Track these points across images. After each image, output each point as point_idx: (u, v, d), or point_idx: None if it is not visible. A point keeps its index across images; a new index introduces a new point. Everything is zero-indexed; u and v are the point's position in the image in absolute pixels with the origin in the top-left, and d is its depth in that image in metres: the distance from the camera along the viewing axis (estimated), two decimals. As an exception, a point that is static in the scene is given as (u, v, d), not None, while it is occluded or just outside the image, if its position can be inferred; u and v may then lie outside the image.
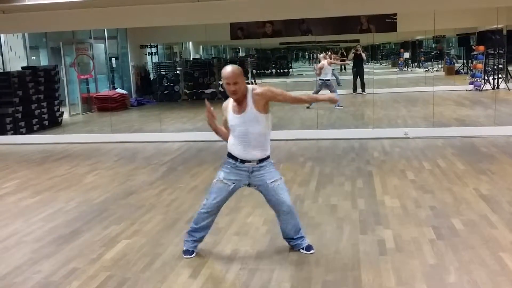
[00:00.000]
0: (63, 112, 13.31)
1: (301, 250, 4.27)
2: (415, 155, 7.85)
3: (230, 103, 4.14)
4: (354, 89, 16.40)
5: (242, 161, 4.12)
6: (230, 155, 4.19)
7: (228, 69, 4.00)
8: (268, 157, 4.20)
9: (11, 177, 7.61)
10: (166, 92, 17.48)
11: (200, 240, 4.34)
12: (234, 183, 4.17)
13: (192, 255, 4.28)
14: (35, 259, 4.41)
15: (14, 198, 6.44)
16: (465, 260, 4.01)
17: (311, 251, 4.25)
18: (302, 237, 4.32)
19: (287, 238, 4.35)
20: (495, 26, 14.47)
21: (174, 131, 11.09)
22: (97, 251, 4.53)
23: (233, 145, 4.16)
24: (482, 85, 15.83)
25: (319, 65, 13.78)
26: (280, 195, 4.18)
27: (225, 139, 4.28)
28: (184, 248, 4.33)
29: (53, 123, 12.67)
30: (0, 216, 5.72)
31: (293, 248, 4.32)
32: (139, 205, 5.89)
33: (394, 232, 4.66)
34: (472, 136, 8.99)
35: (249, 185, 4.23)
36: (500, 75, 15.96)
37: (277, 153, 8.07)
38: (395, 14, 12.43)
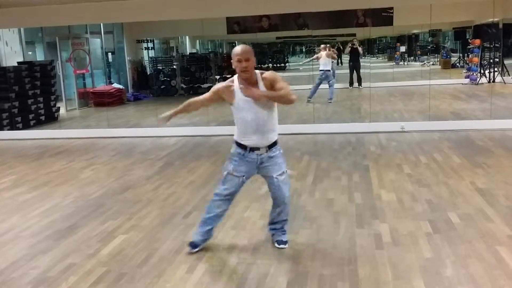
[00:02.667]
0: (59, 107, 13.28)
1: (276, 244, 4.32)
2: (411, 149, 7.86)
3: (235, 85, 4.00)
4: (351, 83, 16.43)
5: (252, 150, 4.05)
6: (238, 145, 4.12)
7: (238, 47, 3.95)
8: (276, 141, 4.15)
9: (8, 172, 7.60)
10: (162, 87, 17.46)
11: (209, 232, 4.34)
12: (243, 175, 4.15)
13: (195, 249, 4.26)
14: (32, 254, 4.41)
15: (11, 193, 6.44)
16: (462, 254, 4.02)
17: (282, 246, 4.29)
18: (283, 228, 4.39)
19: (272, 223, 4.43)
20: (491, 20, 14.49)
21: (171, 126, 11.02)
22: (94, 246, 4.53)
23: (242, 135, 4.08)
24: (478, 79, 15.86)
25: (317, 55, 13.86)
26: (282, 190, 4.21)
27: (187, 110, 4.37)
28: (192, 239, 4.33)
29: (50, 118, 12.64)
30: (-3, 211, 5.72)
31: (272, 235, 4.41)
32: (136, 200, 5.89)
33: (391, 226, 4.67)
34: (468, 129, 9.01)
35: (257, 172, 4.24)
36: (496, 69, 15.98)
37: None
38: (392, 8, 12.45)
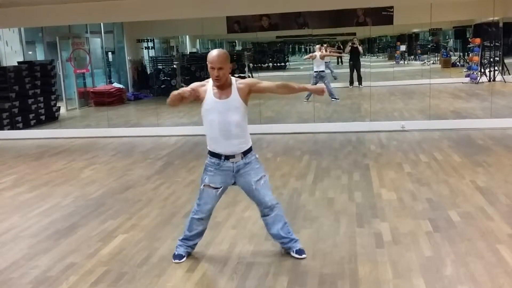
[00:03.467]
0: (60, 107, 13.28)
1: (292, 253, 4.10)
2: (411, 147, 7.86)
3: (209, 86, 3.89)
4: (351, 83, 16.42)
5: (227, 158, 3.90)
6: (212, 154, 3.96)
7: (214, 52, 3.79)
8: (251, 148, 4.00)
9: (8, 172, 7.60)
10: (163, 86, 17.43)
11: (193, 247, 4.21)
12: (221, 186, 3.99)
13: (182, 260, 4.11)
14: (32, 254, 4.42)
15: (11, 193, 6.44)
16: (462, 252, 4.02)
17: (303, 256, 4.06)
18: (294, 239, 4.13)
19: (279, 239, 4.15)
20: (491, 19, 14.49)
21: (171, 126, 11.07)
22: (94, 246, 4.53)
23: (213, 141, 3.93)
24: (478, 78, 15.85)
25: (311, 54, 13.82)
26: (263, 194, 4.01)
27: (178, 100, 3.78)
28: (176, 253, 4.16)
29: (50, 118, 12.64)
30: (-3, 211, 5.72)
31: (286, 250, 4.15)
32: (136, 199, 5.89)
33: (391, 225, 4.67)
34: (469, 128, 9.01)
35: (234, 183, 4.05)
36: (496, 68, 15.97)
37: (273, 147, 8.08)
38: (392, 7, 12.45)
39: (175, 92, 3.71)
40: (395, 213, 5.00)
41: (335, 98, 13.20)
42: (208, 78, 3.96)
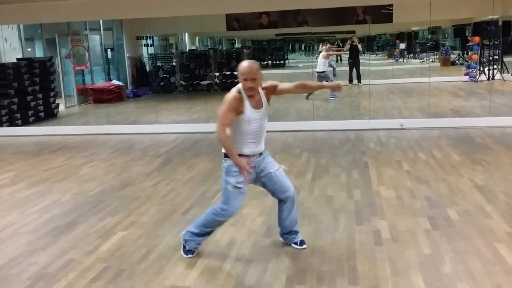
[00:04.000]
0: (58, 103, 13.28)
1: (293, 245, 4.21)
2: (410, 146, 7.86)
3: (245, 99, 3.86)
4: (350, 81, 16.41)
5: (251, 156, 3.97)
6: (238, 156, 3.88)
7: (245, 64, 3.86)
8: None
9: (7, 169, 7.60)
10: (162, 83, 17.45)
11: (200, 244, 4.21)
12: (246, 185, 4.01)
13: (193, 255, 4.14)
14: (31, 251, 4.42)
15: (10, 189, 6.44)
16: (460, 250, 4.03)
17: (304, 246, 4.19)
18: (297, 231, 4.25)
19: (285, 233, 4.23)
20: (490, 17, 14.49)
21: (170, 123, 11.08)
22: (93, 243, 4.53)
23: (243, 144, 3.94)
24: (477, 76, 15.86)
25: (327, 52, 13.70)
26: (285, 180, 4.12)
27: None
28: (187, 247, 4.16)
29: (49, 114, 12.64)
30: (-4, 208, 5.72)
31: (287, 242, 4.26)
32: (135, 196, 5.89)
33: (390, 223, 4.68)
34: (468, 127, 9.02)
35: (255, 180, 4.10)
36: (495, 66, 15.98)
37: (273, 144, 8.08)
38: (391, 5, 12.42)
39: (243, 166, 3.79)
40: (394, 211, 5.01)
41: (334, 96, 13.20)
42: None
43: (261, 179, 4.10)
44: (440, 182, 5.88)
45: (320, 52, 13.96)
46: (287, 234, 4.24)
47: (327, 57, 13.50)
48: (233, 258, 4.09)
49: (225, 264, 3.99)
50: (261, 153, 4.06)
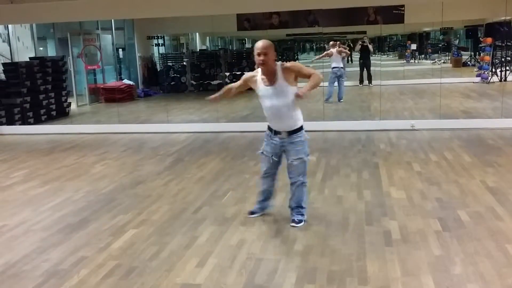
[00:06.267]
0: (70, 102, 13.39)
1: (292, 223, 4.68)
2: (421, 147, 7.84)
3: (258, 76, 4.49)
4: (361, 81, 16.38)
5: (275, 133, 4.58)
6: (268, 127, 4.66)
7: (260, 41, 4.39)
8: (299, 129, 4.57)
9: (20, 166, 7.67)
10: (172, 83, 17.51)
11: (264, 204, 4.94)
12: (271, 155, 4.66)
13: (254, 215, 4.90)
14: (44, 248, 4.47)
15: (23, 187, 6.50)
16: (471, 252, 4.02)
17: (297, 225, 4.64)
18: (299, 210, 4.71)
19: (290, 206, 4.79)
20: (503, 18, 14.41)
21: (181, 122, 11.12)
22: (105, 240, 4.57)
23: (268, 119, 4.61)
24: (489, 77, 15.77)
25: (328, 52, 13.66)
26: (293, 172, 4.62)
27: (227, 94, 4.81)
28: (251, 210, 4.97)
29: (61, 113, 12.75)
30: (9, 205, 5.78)
31: (290, 216, 4.76)
32: (146, 195, 5.93)
33: (400, 223, 4.67)
34: (479, 128, 8.98)
35: (277, 156, 4.69)
36: (508, 67, 15.88)
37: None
38: (403, 6, 12.41)
39: (225, 89, 4.76)
40: (404, 211, 5.00)
41: (341, 99, 13.15)
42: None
43: (279, 158, 4.71)
44: (451, 184, 5.86)
45: (328, 49, 13.89)
46: (291, 209, 4.77)
47: (339, 53, 13.44)
48: (243, 257, 4.11)
49: (236, 263, 4.01)
50: (290, 134, 4.52)
